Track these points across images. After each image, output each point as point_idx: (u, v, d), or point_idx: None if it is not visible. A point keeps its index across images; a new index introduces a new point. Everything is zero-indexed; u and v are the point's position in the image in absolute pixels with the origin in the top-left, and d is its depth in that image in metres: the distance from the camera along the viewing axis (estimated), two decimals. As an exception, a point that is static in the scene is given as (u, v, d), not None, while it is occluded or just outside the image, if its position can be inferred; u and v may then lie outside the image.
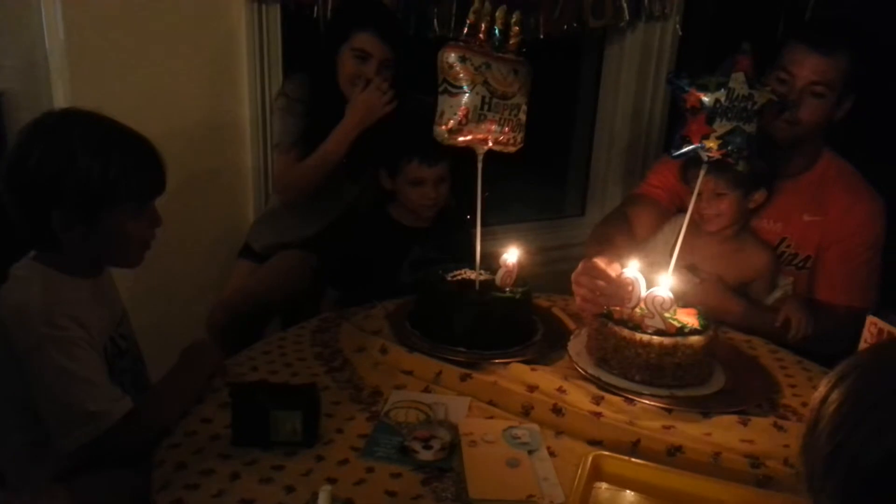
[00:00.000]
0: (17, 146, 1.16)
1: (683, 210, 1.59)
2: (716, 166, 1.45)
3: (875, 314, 1.17)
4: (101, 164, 1.14)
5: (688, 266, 1.61)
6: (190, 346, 1.32)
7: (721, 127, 1.33)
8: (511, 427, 1.18)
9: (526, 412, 1.24)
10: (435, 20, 2.22)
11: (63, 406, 1.13)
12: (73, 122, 1.18)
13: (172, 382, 1.25)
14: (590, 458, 1.04)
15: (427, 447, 1.10)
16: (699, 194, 1.55)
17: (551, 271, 2.44)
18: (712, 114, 1.33)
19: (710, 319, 1.35)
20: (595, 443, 1.17)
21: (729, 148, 1.34)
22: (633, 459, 1.08)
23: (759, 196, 1.65)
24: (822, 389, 0.68)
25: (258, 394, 1.13)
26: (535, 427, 1.19)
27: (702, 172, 1.42)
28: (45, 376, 1.13)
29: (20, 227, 1.19)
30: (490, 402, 1.26)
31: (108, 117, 1.21)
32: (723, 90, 1.33)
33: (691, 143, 1.37)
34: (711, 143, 1.34)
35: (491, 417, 1.22)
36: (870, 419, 0.61)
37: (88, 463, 1.13)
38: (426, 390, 1.30)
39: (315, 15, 2.05)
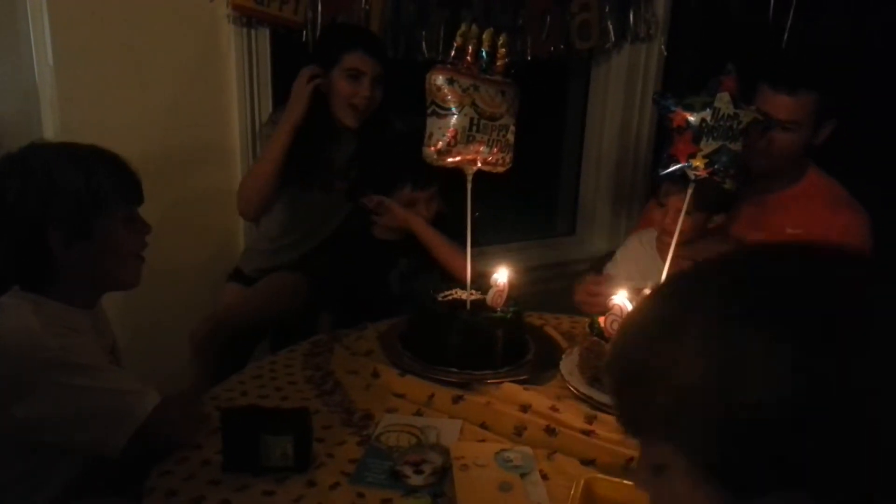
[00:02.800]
0: None
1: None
2: (686, 186, 1.49)
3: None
4: (82, 176, 1.16)
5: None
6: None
7: (707, 146, 1.35)
8: (503, 450, 1.17)
9: (519, 433, 1.23)
10: (423, 43, 2.25)
11: (92, 419, 1.12)
12: (39, 149, 1.20)
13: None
14: (582, 482, 1.03)
15: (418, 471, 1.09)
16: (663, 205, 1.63)
17: (543, 290, 2.46)
18: (698, 133, 1.34)
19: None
20: (588, 462, 1.16)
21: (716, 167, 1.35)
22: (625, 482, 1.08)
23: (719, 219, 1.68)
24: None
25: (249, 419, 1.12)
26: (528, 450, 1.18)
27: (689, 191, 1.43)
28: (62, 398, 1.10)
29: (12, 261, 1.18)
30: (482, 425, 1.26)
31: (67, 141, 1.23)
32: (708, 110, 1.34)
33: (678, 162, 1.38)
34: (698, 162, 1.35)
35: (483, 440, 1.22)
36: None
37: (143, 459, 1.13)
38: (418, 413, 1.29)
39: (304, 38, 2.07)
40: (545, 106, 2.89)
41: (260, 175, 1.90)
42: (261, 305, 1.96)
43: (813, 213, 1.73)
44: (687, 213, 1.59)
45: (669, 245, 1.52)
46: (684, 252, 1.66)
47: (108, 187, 1.18)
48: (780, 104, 1.62)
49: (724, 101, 1.34)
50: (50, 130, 1.99)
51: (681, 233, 1.62)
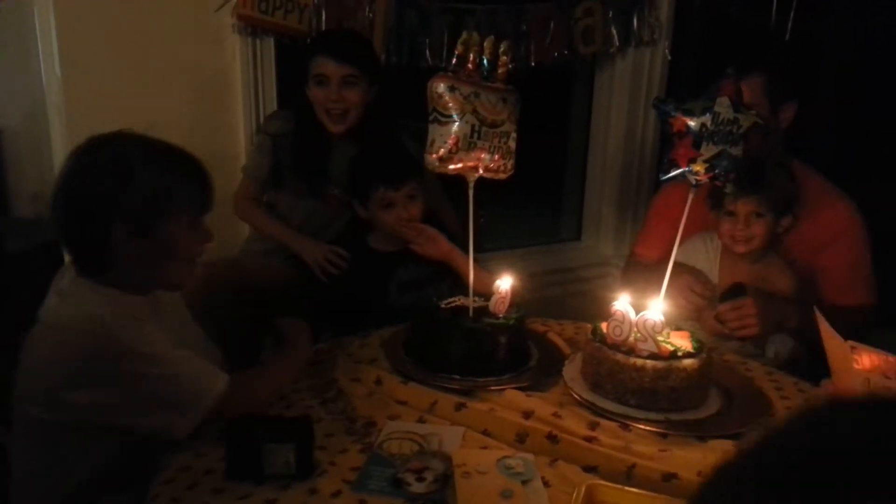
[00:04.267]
0: (71, 168, 1.19)
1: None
2: (753, 188, 1.54)
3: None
4: (158, 176, 1.19)
5: (734, 285, 1.65)
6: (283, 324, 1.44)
7: (708, 150, 1.34)
8: (505, 457, 1.16)
9: (521, 440, 1.23)
10: (427, 50, 2.26)
11: (160, 407, 1.16)
12: (124, 140, 1.22)
13: (270, 369, 1.38)
14: (583, 488, 1.03)
15: (420, 479, 1.09)
16: (732, 215, 1.65)
17: (549, 296, 2.46)
18: (698, 138, 1.34)
19: (705, 342, 1.36)
20: (590, 469, 1.16)
21: (716, 171, 1.35)
22: (626, 488, 1.07)
23: (786, 221, 1.69)
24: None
25: (251, 427, 1.12)
26: (530, 456, 1.17)
27: (690, 196, 1.43)
28: (130, 387, 1.14)
29: (73, 244, 1.21)
30: (484, 432, 1.26)
31: (154, 137, 1.26)
32: (708, 114, 1.34)
33: (679, 167, 1.38)
34: (699, 167, 1.35)
35: (485, 447, 1.22)
36: None
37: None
38: (421, 420, 1.29)
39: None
40: (550, 111, 2.90)
41: (247, 221, 1.99)
42: (251, 270, 1.96)
43: (803, 206, 1.74)
44: (760, 215, 1.64)
45: (738, 255, 1.59)
46: (751, 270, 1.69)
47: (181, 192, 1.21)
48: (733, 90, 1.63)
49: (723, 105, 1.33)
50: (57, 140, 2.02)
51: (753, 237, 1.67)
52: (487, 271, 1.66)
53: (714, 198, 1.69)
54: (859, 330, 1.64)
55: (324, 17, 2.10)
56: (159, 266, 1.24)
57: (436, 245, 1.81)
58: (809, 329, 1.62)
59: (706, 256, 1.78)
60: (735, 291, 1.64)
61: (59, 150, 2.01)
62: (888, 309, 1.79)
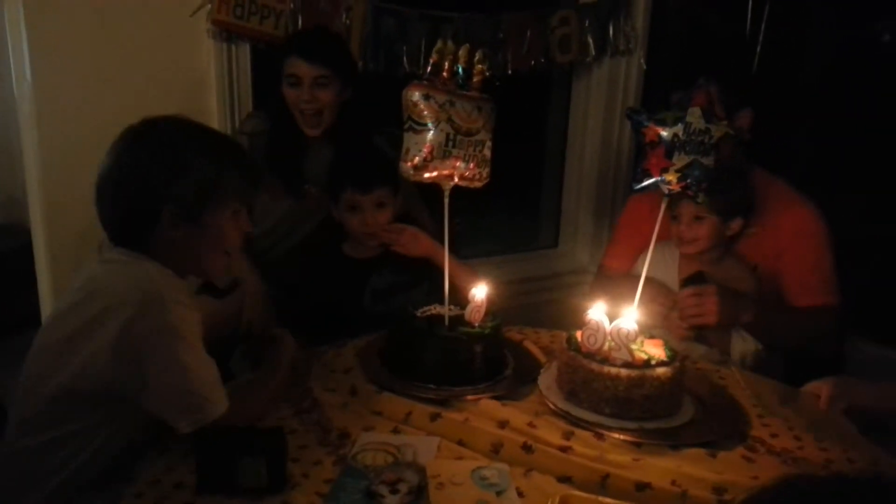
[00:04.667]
0: (125, 150, 1.21)
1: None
2: (695, 194, 1.50)
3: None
4: (213, 164, 1.21)
5: (696, 275, 1.66)
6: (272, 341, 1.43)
7: (680, 160, 1.36)
8: (479, 468, 1.16)
9: (496, 450, 1.22)
10: (404, 58, 2.26)
11: (178, 392, 1.15)
12: (180, 126, 1.25)
13: (263, 379, 1.36)
14: (557, 499, 1.03)
15: (394, 491, 1.08)
16: (676, 218, 1.69)
17: (526, 303, 2.47)
18: (670, 148, 1.36)
19: (678, 349, 1.37)
20: (565, 479, 1.15)
21: (688, 181, 1.37)
22: (600, 498, 1.08)
23: (735, 224, 1.72)
24: None
25: (223, 439, 1.11)
26: (504, 467, 1.17)
27: (663, 205, 1.44)
28: (164, 362, 1.14)
29: (118, 222, 1.22)
30: (459, 442, 1.25)
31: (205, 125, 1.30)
32: (680, 124, 1.36)
33: (652, 176, 1.39)
34: (671, 177, 1.37)
35: (460, 458, 1.21)
36: None
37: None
38: (395, 431, 1.29)
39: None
40: (527, 118, 2.91)
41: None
42: (231, 315, 1.92)
43: (763, 210, 1.78)
44: (700, 218, 1.67)
45: (689, 257, 1.58)
46: (714, 271, 1.71)
47: (232, 183, 1.23)
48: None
49: (695, 115, 1.35)
50: (28, 145, 1.99)
51: (698, 239, 1.70)
52: (468, 266, 1.65)
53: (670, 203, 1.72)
54: (823, 330, 1.70)
55: (300, 23, 2.09)
56: (200, 253, 1.25)
57: (417, 242, 1.81)
58: (764, 324, 1.65)
59: (665, 264, 1.79)
60: (696, 279, 1.66)
61: (31, 157, 1.98)
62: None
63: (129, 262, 1.20)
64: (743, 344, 1.69)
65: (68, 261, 2.01)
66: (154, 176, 1.18)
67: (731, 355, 1.70)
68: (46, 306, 2.06)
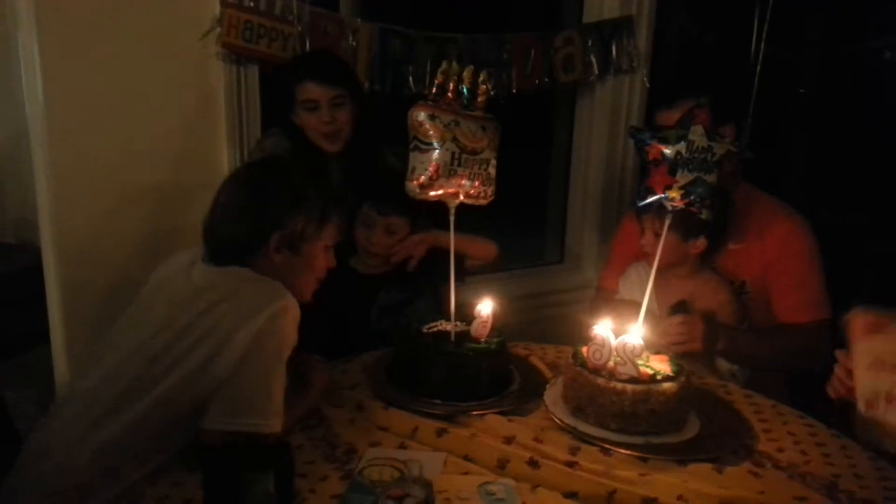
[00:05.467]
0: (252, 180, 1.36)
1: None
2: (657, 211, 1.54)
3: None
4: (324, 203, 1.35)
5: (679, 303, 1.67)
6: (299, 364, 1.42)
7: (683, 177, 1.38)
8: (486, 483, 1.17)
9: (502, 466, 1.23)
10: (410, 78, 2.29)
11: (253, 395, 1.19)
12: (301, 167, 1.44)
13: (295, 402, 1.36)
14: (563, 513, 1.03)
15: (401, 506, 1.08)
16: (643, 231, 1.70)
17: (533, 319, 2.47)
18: (674, 165, 1.37)
19: (683, 365, 1.37)
20: (571, 495, 1.16)
21: (692, 197, 1.38)
22: (606, 512, 1.08)
23: (699, 243, 1.71)
24: None
25: (229, 455, 1.12)
26: (511, 482, 1.18)
27: (667, 222, 1.46)
28: (260, 364, 1.19)
29: (230, 244, 1.31)
30: (466, 457, 1.26)
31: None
32: (683, 143, 1.38)
33: (655, 194, 1.41)
34: (674, 194, 1.38)
35: (466, 473, 1.22)
36: None
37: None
38: (402, 446, 1.29)
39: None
40: (532, 135, 2.94)
41: None
42: None
43: (749, 225, 1.78)
44: (658, 235, 1.63)
45: (671, 275, 1.57)
46: (686, 287, 1.70)
47: (334, 221, 1.38)
48: (667, 118, 1.66)
49: (697, 133, 1.37)
50: (40, 166, 2.01)
51: (656, 255, 1.67)
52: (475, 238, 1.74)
53: (637, 212, 1.74)
54: (813, 346, 1.68)
55: (308, 46, 2.12)
56: (293, 279, 1.33)
57: (423, 244, 1.84)
58: (740, 350, 1.66)
59: (640, 281, 1.81)
60: (680, 308, 1.67)
61: (42, 178, 2.01)
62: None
63: (259, 280, 1.28)
64: (727, 364, 1.72)
65: (77, 281, 2.03)
66: (276, 205, 1.31)
67: (720, 371, 1.72)
68: (57, 326, 2.07)
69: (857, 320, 1.29)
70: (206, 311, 1.23)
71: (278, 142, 2.00)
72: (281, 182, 1.35)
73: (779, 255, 1.75)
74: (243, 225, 1.32)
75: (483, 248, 1.90)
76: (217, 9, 2.02)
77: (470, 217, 1.56)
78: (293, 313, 1.24)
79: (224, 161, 2.16)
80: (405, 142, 1.48)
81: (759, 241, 1.77)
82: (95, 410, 1.22)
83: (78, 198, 2.00)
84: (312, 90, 1.89)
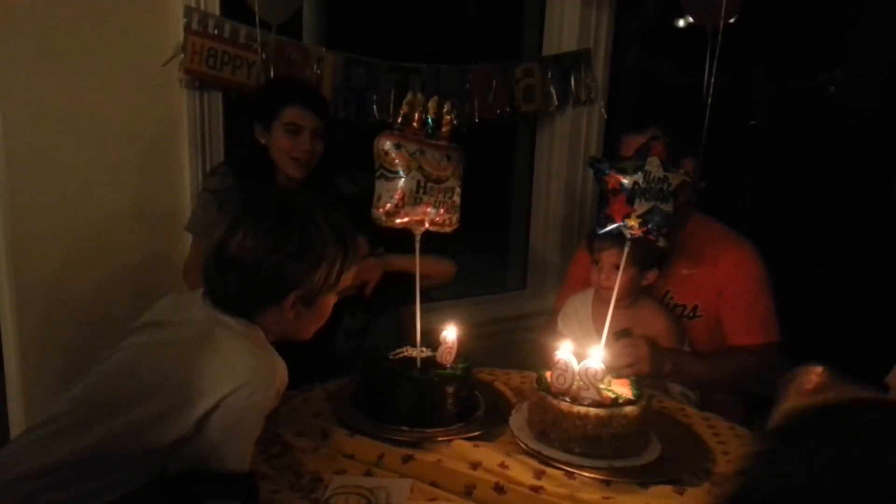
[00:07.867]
0: (270, 231, 1.21)
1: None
2: (616, 239, 1.55)
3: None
4: (342, 256, 1.28)
5: (623, 331, 1.69)
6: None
7: (641, 206, 1.43)
8: (453, 508, 1.17)
9: (468, 492, 1.24)
10: (374, 106, 2.32)
11: (221, 459, 1.15)
12: (317, 205, 1.30)
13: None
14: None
15: (368, 533, 1.08)
16: (597, 263, 1.72)
17: (496, 344, 2.49)
18: (632, 194, 1.42)
19: (644, 388, 1.41)
20: (537, 519, 1.17)
21: (649, 226, 1.43)
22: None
23: (651, 275, 1.76)
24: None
25: (194, 484, 1.10)
26: (477, 507, 1.19)
27: (626, 250, 1.50)
28: (220, 420, 1.14)
29: (238, 298, 1.23)
30: (433, 484, 1.26)
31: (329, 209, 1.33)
32: (640, 173, 1.43)
33: (614, 221, 1.46)
34: (633, 222, 1.43)
35: (433, 500, 1.22)
36: None
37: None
38: (368, 473, 1.29)
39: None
40: (494, 163, 2.99)
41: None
42: None
43: (702, 251, 1.84)
44: (618, 267, 1.64)
45: (607, 303, 1.56)
46: (624, 315, 1.72)
47: (346, 273, 1.31)
48: (632, 143, 1.66)
49: (654, 164, 1.42)
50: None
51: (615, 288, 1.67)
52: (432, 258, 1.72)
53: (589, 246, 1.77)
54: (763, 368, 1.74)
55: (272, 73, 2.14)
56: (304, 327, 1.32)
57: (378, 268, 1.82)
58: (687, 373, 1.71)
59: (579, 309, 1.86)
60: (625, 334, 1.69)
61: (0, 209, 1.96)
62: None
63: (251, 339, 1.22)
64: (678, 386, 1.76)
65: (36, 324, 1.99)
66: (298, 266, 1.23)
67: (671, 393, 1.76)
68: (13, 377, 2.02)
69: (803, 377, 1.27)
70: (186, 358, 1.18)
71: (222, 180, 1.97)
72: (304, 239, 1.23)
73: (730, 280, 1.81)
74: (259, 282, 1.22)
75: (441, 268, 1.91)
76: (181, 35, 2.02)
77: (434, 242, 1.58)
78: (279, 386, 1.20)
79: (186, 188, 2.14)
80: (360, 165, 1.49)
81: (712, 267, 1.82)
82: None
83: (37, 231, 1.97)
84: (300, 114, 1.89)
